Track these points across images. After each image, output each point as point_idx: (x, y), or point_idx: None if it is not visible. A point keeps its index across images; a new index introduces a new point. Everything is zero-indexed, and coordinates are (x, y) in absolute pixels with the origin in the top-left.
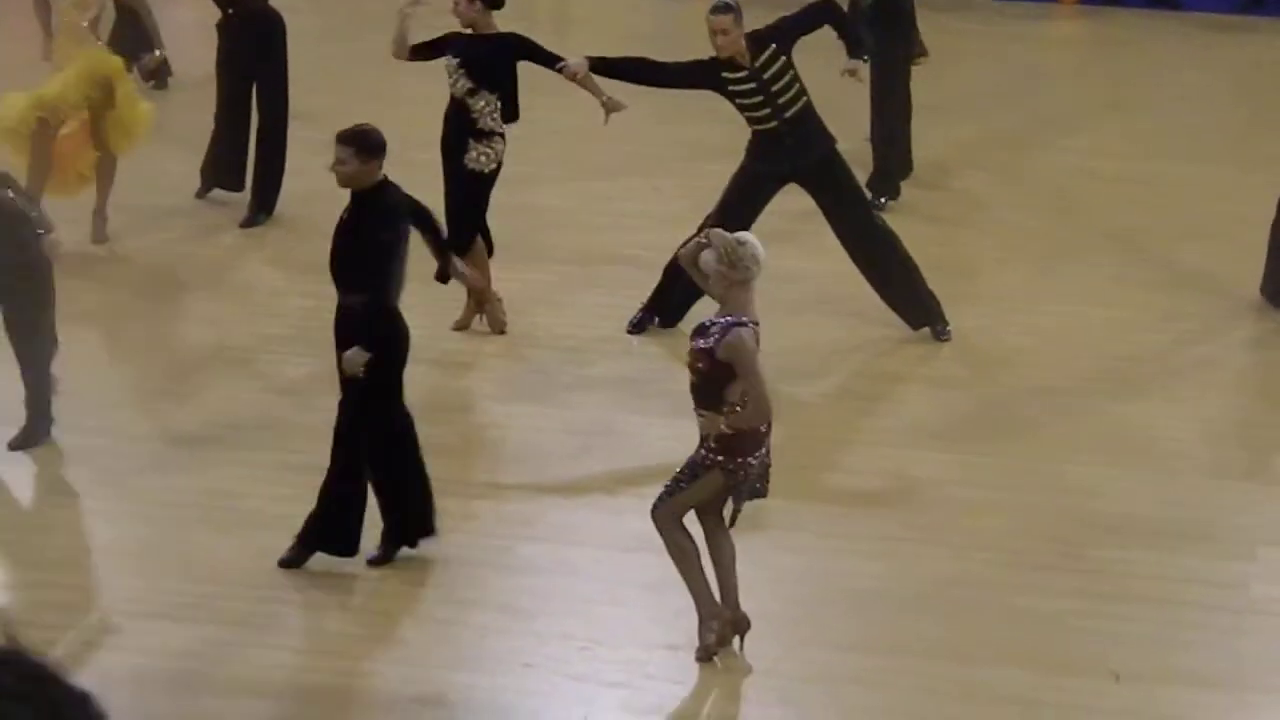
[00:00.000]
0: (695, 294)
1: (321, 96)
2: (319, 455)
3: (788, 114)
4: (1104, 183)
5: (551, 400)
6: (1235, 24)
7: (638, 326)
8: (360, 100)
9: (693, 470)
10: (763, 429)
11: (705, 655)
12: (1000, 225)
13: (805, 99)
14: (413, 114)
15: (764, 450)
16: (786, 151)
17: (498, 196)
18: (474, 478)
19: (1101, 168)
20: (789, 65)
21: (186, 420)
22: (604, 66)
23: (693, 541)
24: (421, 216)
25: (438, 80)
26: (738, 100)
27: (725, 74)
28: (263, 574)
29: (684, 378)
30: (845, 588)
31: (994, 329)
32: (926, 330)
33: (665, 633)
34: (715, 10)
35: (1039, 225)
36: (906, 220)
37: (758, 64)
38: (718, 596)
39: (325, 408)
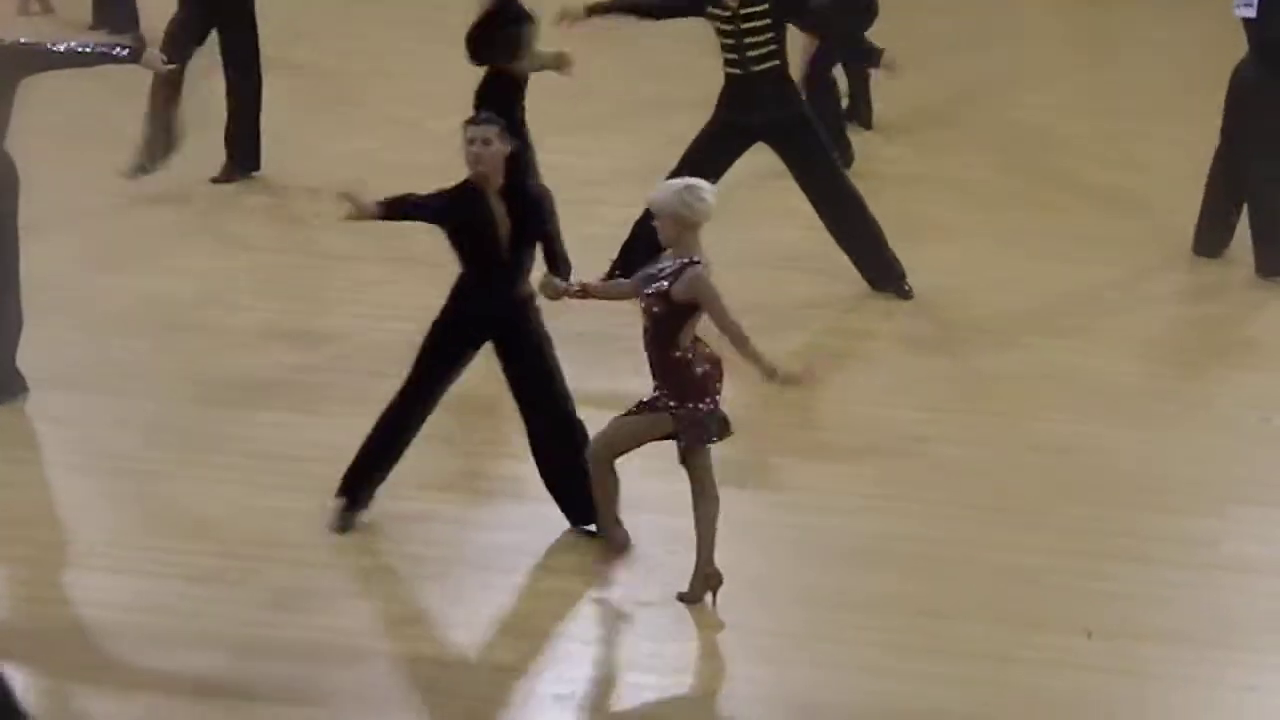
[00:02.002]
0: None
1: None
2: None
3: (754, 68)
4: (1070, 139)
5: None
6: None
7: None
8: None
9: (649, 408)
10: (715, 376)
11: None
12: (966, 181)
13: (778, 62)
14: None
15: (716, 396)
16: (756, 102)
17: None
18: (447, 433)
19: (1068, 124)
20: (771, 28)
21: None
22: (600, 9)
23: (616, 481)
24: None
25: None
26: (717, 34)
27: (709, 5)
28: (242, 530)
29: None
30: (821, 544)
31: (962, 286)
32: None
33: (646, 590)
34: None
35: (1005, 181)
36: (870, 178)
37: (743, 10)
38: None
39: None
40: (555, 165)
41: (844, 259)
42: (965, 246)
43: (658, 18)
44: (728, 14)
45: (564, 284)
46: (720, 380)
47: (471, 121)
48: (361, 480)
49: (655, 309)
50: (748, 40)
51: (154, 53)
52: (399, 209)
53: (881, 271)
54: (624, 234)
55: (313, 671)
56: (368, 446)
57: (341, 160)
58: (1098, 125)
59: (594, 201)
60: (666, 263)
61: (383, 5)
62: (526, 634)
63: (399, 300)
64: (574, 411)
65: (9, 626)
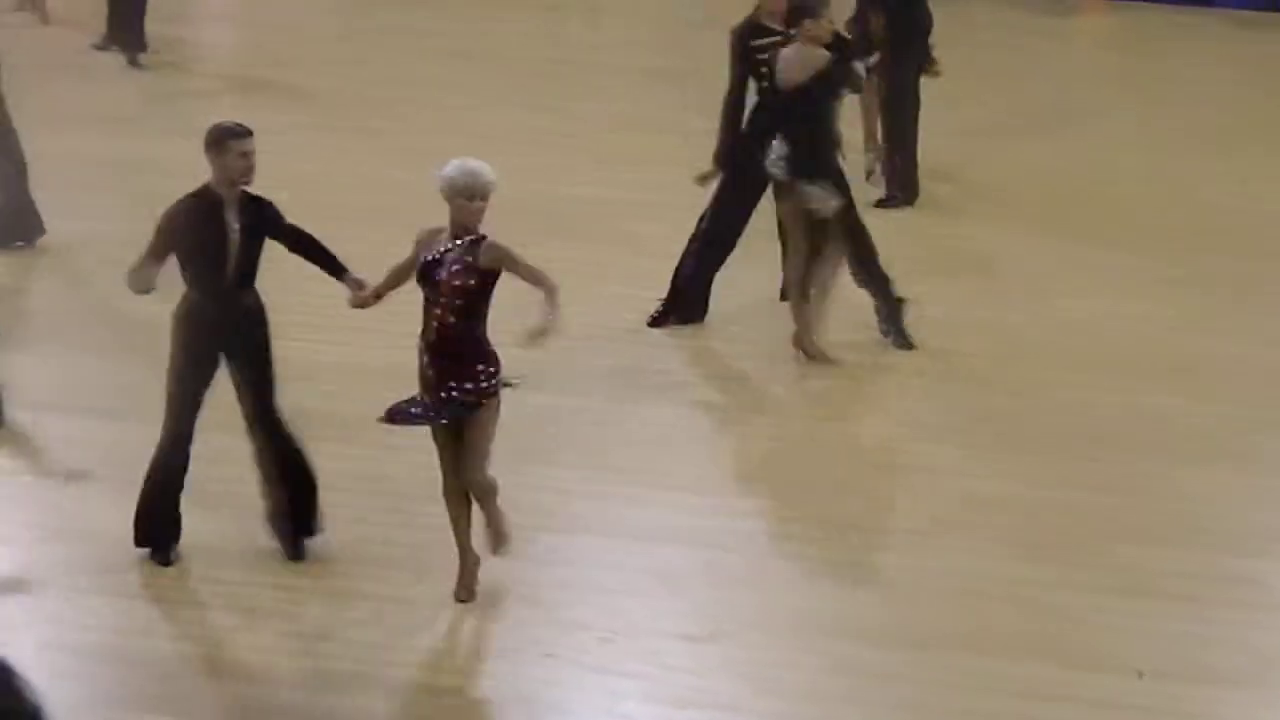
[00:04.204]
0: (707, 285)
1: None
2: None
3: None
4: (1127, 178)
5: (571, 390)
6: (1264, 20)
7: (657, 321)
8: None
9: (488, 410)
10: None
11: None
12: (1019, 219)
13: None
14: None
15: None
16: (777, 122)
17: (528, 186)
18: (493, 466)
19: (1126, 163)
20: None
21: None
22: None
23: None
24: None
25: None
26: (755, 56)
27: (752, 41)
28: (271, 560)
29: (705, 369)
30: (868, 581)
31: (1012, 322)
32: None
33: (684, 623)
34: None
35: (1059, 219)
36: (924, 213)
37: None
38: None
39: None
40: (604, 199)
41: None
42: (1014, 280)
43: (745, 92)
44: (767, 43)
45: (365, 295)
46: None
47: (235, 135)
48: (158, 523)
49: (469, 283)
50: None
51: None
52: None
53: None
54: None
55: (321, 700)
56: (153, 489)
57: (360, 185)
58: (1157, 162)
59: (641, 235)
60: (447, 245)
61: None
62: (565, 666)
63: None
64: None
65: (43, 648)
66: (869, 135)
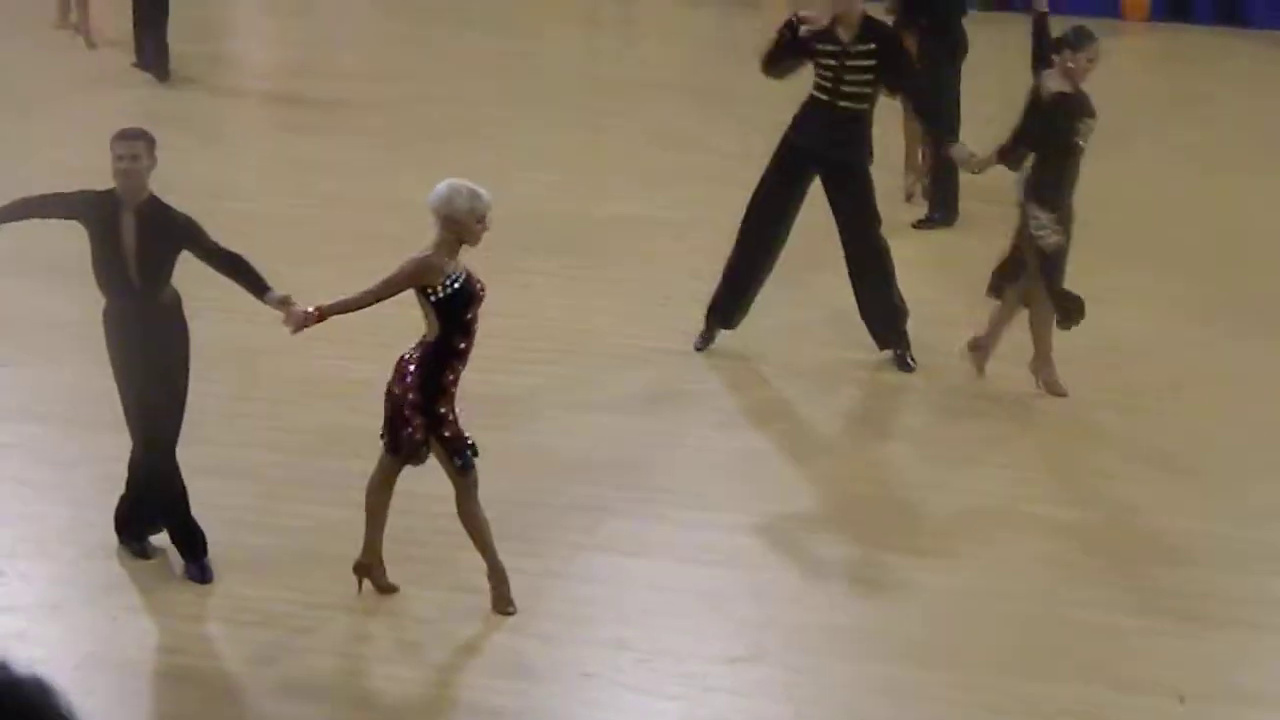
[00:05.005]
0: (751, 293)
1: None
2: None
3: (841, 102)
4: (1169, 198)
5: (612, 409)
6: None
7: (704, 342)
8: None
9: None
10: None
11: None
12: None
13: (867, 108)
14: None
15: None
16: (826, 129)
17: (562, 206)
18: (533, 486)
19: (1168, 183)
20: (872, 80)
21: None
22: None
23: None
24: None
25: None
26: (816, 60)
27: (818, 43)
28: (308, 579)
29: (744, 389)
30: (909, 601)
31: (1071, 351)
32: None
33: (725, 645)
34: None
35: (1101, 239)
36: (963, 233)
37: (852, 47)
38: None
39: None
40: (641, 216)
41: (946, 315)
42: None
43: (780, 74)
44: (836, 48)
45: (300, 312)
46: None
47: (121, 137)
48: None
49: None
50: (847, 77)
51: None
52: (23, 209)
53: (888, 334)
54: (708, 287)
55: (358, 717)
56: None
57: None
58: (1196, 183)
59: (677, 253)
60: (466, 271)
61: (479, 60)
62: (604, 686)
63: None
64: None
65: (82, 667)
66: (910, 157)
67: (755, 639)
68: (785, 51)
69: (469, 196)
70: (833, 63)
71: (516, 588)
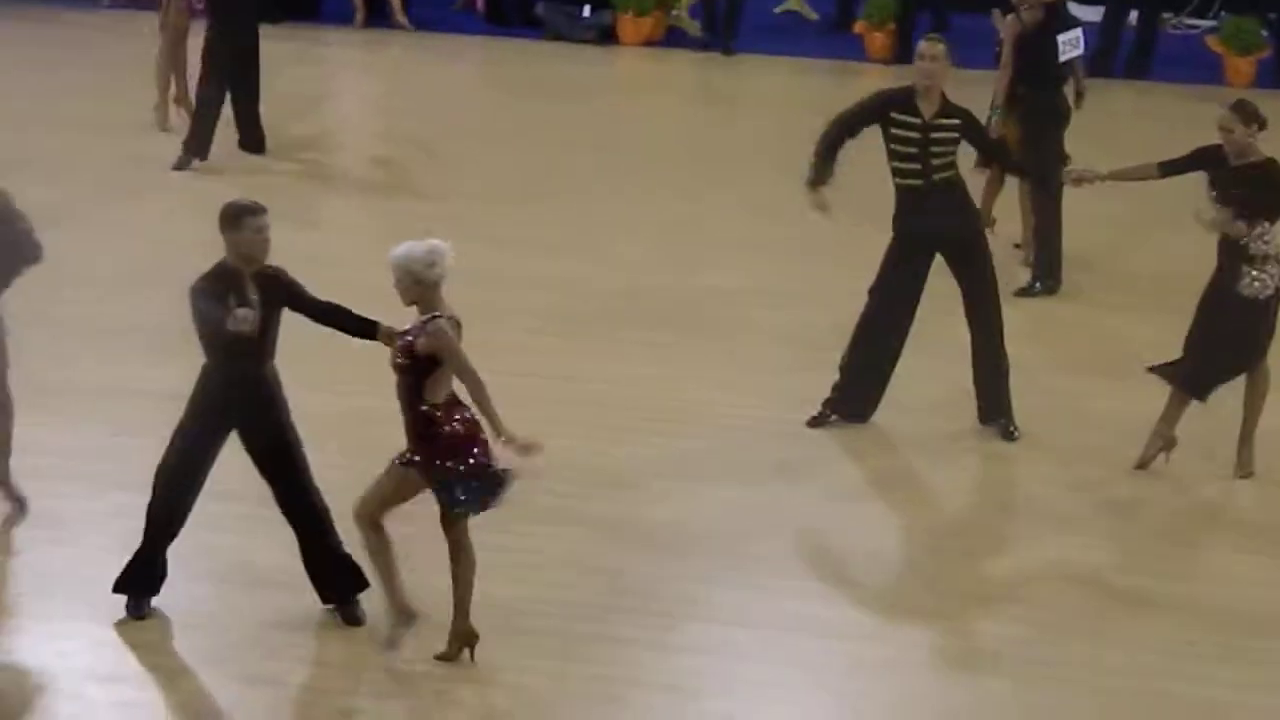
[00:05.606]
0: (882, 388)
1: None
2: None
3: (935, 177)
4: None
5: (718, 480)
6: None
7: (817, 421)
8: None
9: (398, 463)
10: (467, 439)
11: (389, 645)
12: (1161, 309)
13: (956, 172)
14: None
15: (470, 460)
16: (931, 211)
17: (660, 277)
18: (636, 555)
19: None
20: (955, 148)
21: None
22: (820, 176)
23: (385, 543)
24: None
25: None
26: (892, 145)
27: (895, 113)
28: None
29: (853, 462)
30: (1005, 673)
31: (1149, 413)
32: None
33: (825, 715)
34: (929, 38)
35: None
36: (1066, 301)
37: (934, 120)
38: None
39: None
40: (741, 288)
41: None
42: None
43: (853, 133)
44: (919, 121)
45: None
46: (474, 445)
47: (252, 212)
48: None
49: (400, 361)
50: (933, 149)
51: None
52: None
53: (993, 408)
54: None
55: None
56: (153, 543)
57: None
58: None
59: (779, 325)
60: (413, 323)
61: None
62: None
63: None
64: (313, 489)
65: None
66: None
67: (856, 710)
68: (861, 118)
69: (441, 255)
70: (916, 135)
71: (621, 657)
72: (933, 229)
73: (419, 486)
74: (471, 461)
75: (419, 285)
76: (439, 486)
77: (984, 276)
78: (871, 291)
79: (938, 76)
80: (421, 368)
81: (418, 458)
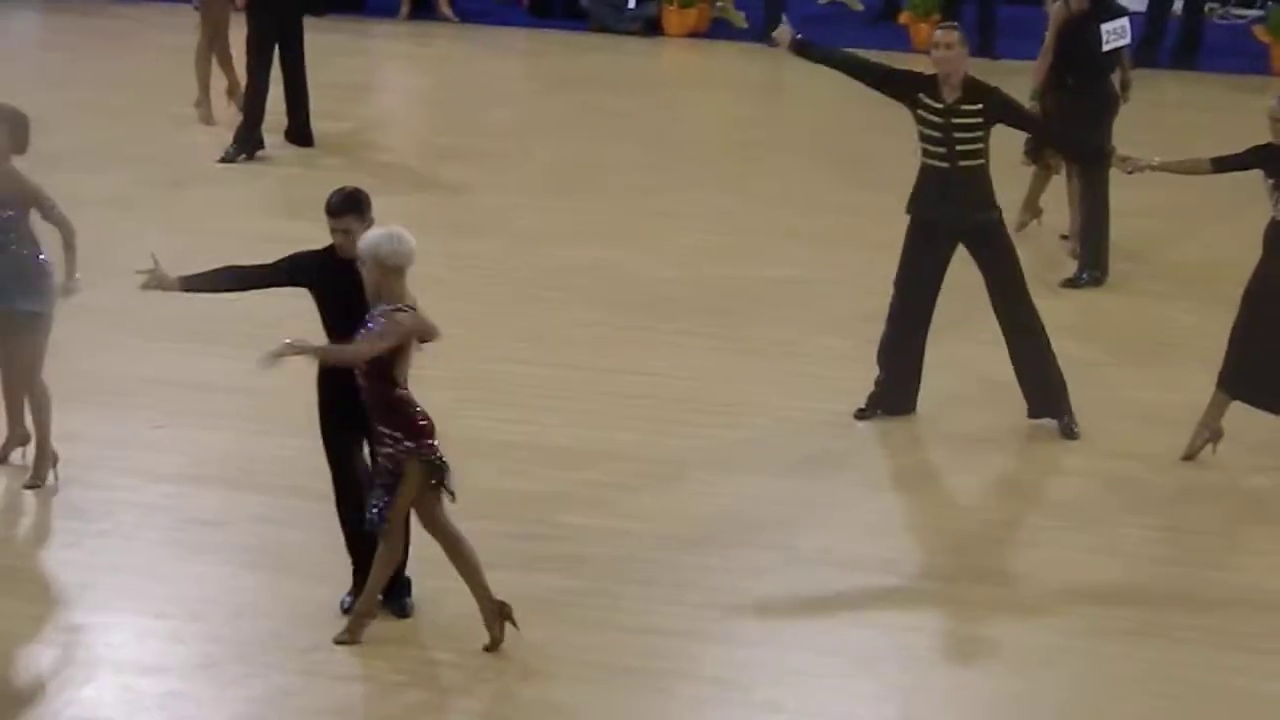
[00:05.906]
0: (918, 379)
1: None
2: None
3: (961, 163)
4: None
5: (765, 471)
6: None
7: (864, 413)
8: None
9: (393, 473)
10: (431, 428)
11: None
12: (1209, 300)
13: (984, 163)
14: None
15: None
16: (950, 198)
17: (708, 269)
18: (684, 548)
19: None
20: (981, 133)
21: None
22: (803, 49)
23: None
24: None
25: None
26: (919, 126)
27: (923, 95)
28: (454, 639)
29: (893, 455)
30: (1058, 665)
31: (1196, 403)
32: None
33: (877, 706)
34: (943, 26)
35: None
36: (1112, 293)
37: (956, 106)
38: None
39: None
40: (794, 279)
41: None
42: (1192, 361)
43: (866, 82)
44: (940, 106)
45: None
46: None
47: (332, 214)
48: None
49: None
50: (956, 135)
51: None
52: (227, 281)
53: (1044, 401)
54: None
55: None
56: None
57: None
58: None
59: (831, 314)
60: (379, 310)
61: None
62: None
63: None
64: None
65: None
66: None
67: (907, 701)
68: (885, 80)
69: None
70: (938, 120)
71: (669, 649)
72: (947, 217)
73: (420, 479)
74: (436, 443)
75: (380, 270)
76: (431, 466)
77: (1006, 263)
78: (895, 284)
79: (954, 64)
80: (386, 358)
81: (409, 442)
